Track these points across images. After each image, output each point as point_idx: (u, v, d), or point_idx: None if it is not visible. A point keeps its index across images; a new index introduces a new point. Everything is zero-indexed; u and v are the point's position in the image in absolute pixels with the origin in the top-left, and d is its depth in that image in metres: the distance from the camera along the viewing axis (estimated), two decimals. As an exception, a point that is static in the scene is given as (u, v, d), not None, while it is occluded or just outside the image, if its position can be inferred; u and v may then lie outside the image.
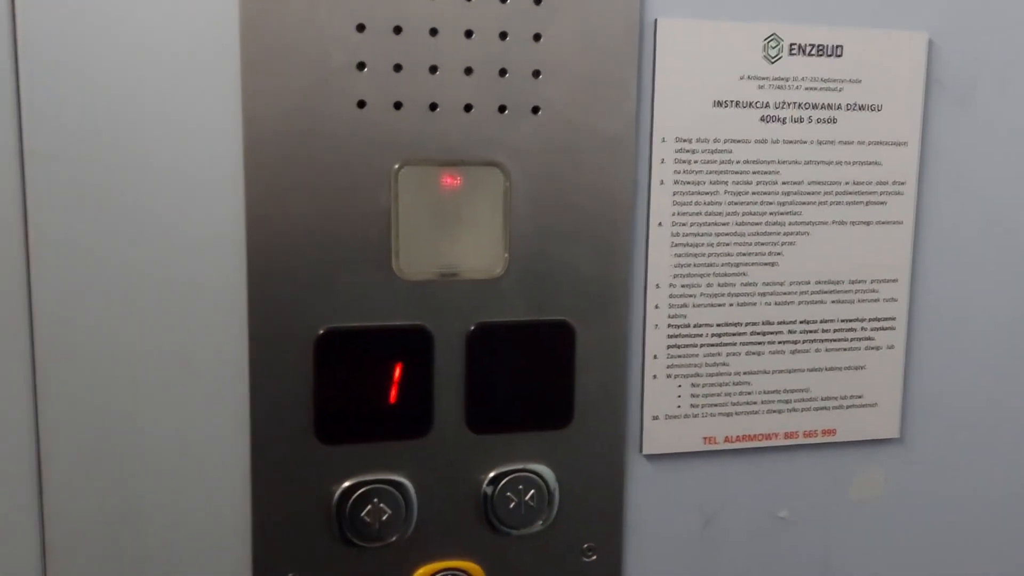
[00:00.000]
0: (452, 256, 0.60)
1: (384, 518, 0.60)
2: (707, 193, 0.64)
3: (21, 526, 0.57)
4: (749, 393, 0.67)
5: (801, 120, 0.64)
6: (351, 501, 0.60)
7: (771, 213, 0.65)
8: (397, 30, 0.57)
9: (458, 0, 0.57)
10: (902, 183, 0.67)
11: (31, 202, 0.54)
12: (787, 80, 0.64)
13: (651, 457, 0.66)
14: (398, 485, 0.61)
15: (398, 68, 0.57)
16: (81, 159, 0.54)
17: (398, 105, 0.58)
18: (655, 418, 0.65)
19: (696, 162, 0.63)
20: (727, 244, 0.65)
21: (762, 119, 0.64)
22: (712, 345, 0.65)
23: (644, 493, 0.66)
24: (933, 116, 0.68)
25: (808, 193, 0.65)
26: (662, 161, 0.63)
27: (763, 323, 0.66)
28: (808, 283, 0.67)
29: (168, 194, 0.56)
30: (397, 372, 0.60)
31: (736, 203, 0.64)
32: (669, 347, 0.65)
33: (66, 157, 0.54)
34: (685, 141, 0.63)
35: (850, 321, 0.68)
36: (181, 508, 0.59)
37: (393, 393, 0.60)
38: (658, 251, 0.63)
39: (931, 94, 0.67)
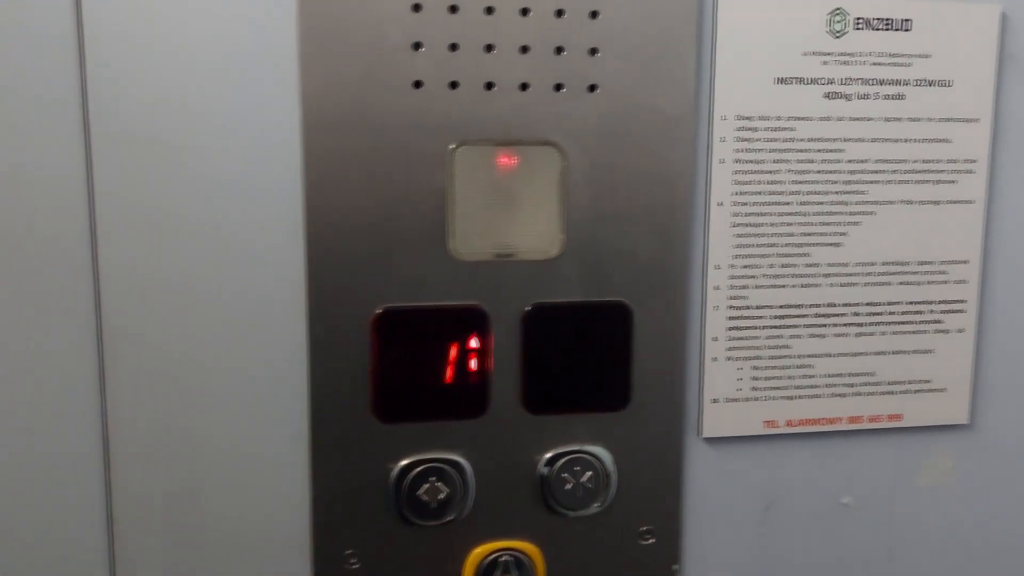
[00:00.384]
0: (508, 236, 0.60)
1: (441, 497, 0.61)
2: (769, 172, 0.62)
3: (89, 502, 0.58)
4: (812, 376, 0.65)
5: (867, 96, 0.63)
6: (409, 479, 0.60)
7: (835, 192, 0.63)
8: (453, 9, 0.57)
9: (514, -23, 0.57)
10: (973, 161, 0.65)
11: (98, 188, 0.55)
12: (852, 55, 0.62)
13: (710, 440, 0.65)
14: (455, 464, 0.61)
15: (454, 47, 0.57)
16: (144, 152, 0.56)
17: (454, 85, 0.58)
18: (714, 401, 0.64)
19: (758, 140, 0.62)
20: (789, 224, 0.63)
21: (826, 96, 0.62)
22: (774, 327, 0.64)
23: (703, 477, 0.65)
24: (1006, 92, 0.65)
25: (874, 172, 0.64)
26: (722, 139, 0.61)
27: (826, 305, 0.65)
28: (874, 264, 0.65)
29: (229, 178, 0.57)
30: (453, 352, 0.60)
31: (799, 182, 0.63)
32: (729, 329, 0.64)
33: (129, 153, 0.55)
34: (746, 119, 0.61)
35: (918, 304, 0.66)
36: (242, 486, 0.60)
37: (449, 373, 0.60)
38: (718, 231, 0.62)
39: (1004, 69, 0.65)
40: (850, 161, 0.63)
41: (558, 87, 0.59)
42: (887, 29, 0.62)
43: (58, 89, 0.54)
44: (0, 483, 0.57)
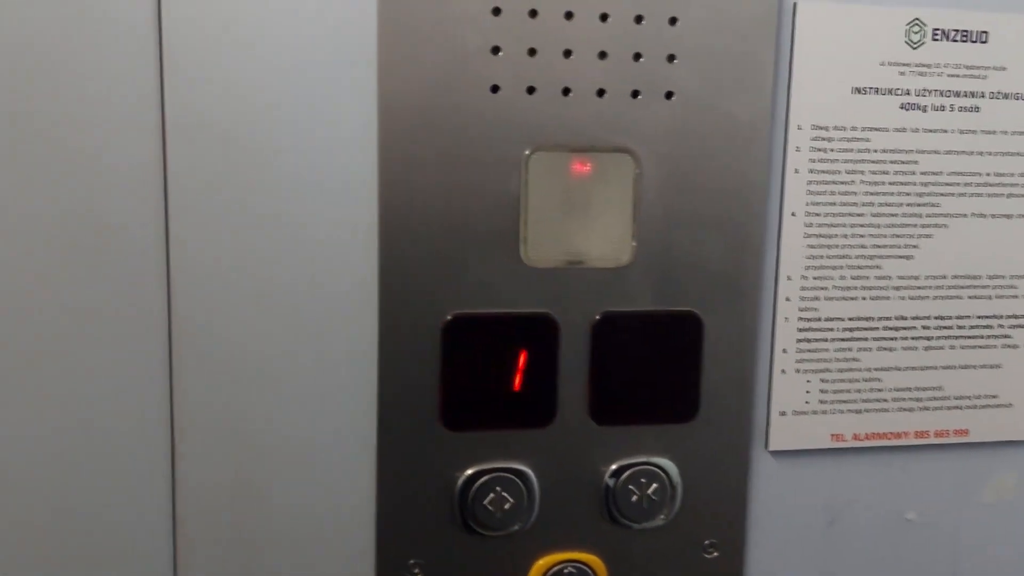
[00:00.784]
0: (579, 243, 0.59)
1: (506, 507, 0.60)
2: (843, 183, 0.62)
3: (154, 508, 0.57)
4: (880, 390, 0.65)
5: (943, 108, 0.62)
6: (474, 489, 0.59)
7: (908, 204, 0.63)
8: (533, 13, 0.56)
9: (595, -17, 0.56)
10: (1048, 175, 0.64)
11: (171, 189, 0.55)
12: (929, 67, 0.61)
13: (777, 453, 0.64)
14: (521, 474, 0.60)
15: (532, 52, 0.57)
16: (220, 149, 0.55)
17: (531, 90, 0.57)
18: (782, 414, 0.63)
19: (832, 150, 0.61)
20: (861, 236, 0.62)
21: (902, 107, 0.61)
22: (843, 340, 0.63)
23: (768, 490, 0.65)
24: (1084, 105, 0.65)
25: (947, 184, 0.63)
26: (797, 149, 0.61)
27: (896, 318, 0.64)
28: (944, 277, 0.64)
29: (304, 176, 0.56)
30: (522, 360, 0.59)
31: (872, 193, 0.62)
32: (799, 341, 0.63)
33: (205, 150, 0.55)
34: (822, 129, 0.61)
35: (987, 318, 0.65)
36: (308, 492, 0.59)
37: (517, 381, 0.59)
38: (790, 242, 0.62)
39: (1081, 82, 0.64)
40: (924, 173, 0.63)
41: (635, 93, 0.58)
42: (964, 41, 0.62)
43: (136, 83, 0.53)
44: (68, 476, 0.56)
